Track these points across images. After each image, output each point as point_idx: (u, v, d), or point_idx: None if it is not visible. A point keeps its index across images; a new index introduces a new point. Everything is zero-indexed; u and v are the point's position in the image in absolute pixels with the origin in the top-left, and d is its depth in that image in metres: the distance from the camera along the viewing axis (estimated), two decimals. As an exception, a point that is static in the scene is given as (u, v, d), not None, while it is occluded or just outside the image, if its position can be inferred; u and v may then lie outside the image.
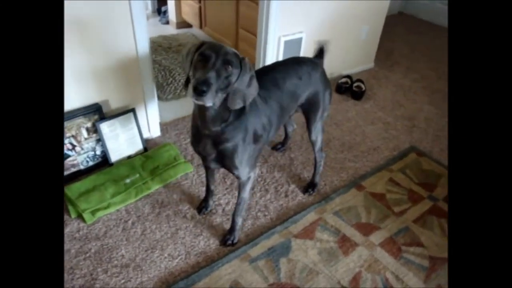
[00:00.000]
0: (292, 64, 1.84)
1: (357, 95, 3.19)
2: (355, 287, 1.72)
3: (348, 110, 3.06)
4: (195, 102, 1.28)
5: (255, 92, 1.44)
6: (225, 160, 1.59)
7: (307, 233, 1.95)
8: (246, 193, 1.78)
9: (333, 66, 3.39)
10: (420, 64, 3.90)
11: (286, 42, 2.86)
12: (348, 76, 3.36)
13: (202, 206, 2.06)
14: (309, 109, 1.93)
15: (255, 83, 1.42)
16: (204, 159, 1.68)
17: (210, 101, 1.25)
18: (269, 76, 1.73)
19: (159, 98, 2.94)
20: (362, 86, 3.26)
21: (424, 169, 2.46)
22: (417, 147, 2.67)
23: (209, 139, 1.53)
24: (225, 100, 1.38)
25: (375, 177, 2.36)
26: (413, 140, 2.74)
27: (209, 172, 1.98)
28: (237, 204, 1.83)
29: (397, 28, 4.73)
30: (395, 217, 2.09)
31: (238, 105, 1.39)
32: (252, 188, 1.91)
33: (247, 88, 1.38)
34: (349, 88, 3.27)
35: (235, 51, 1.34)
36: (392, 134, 2.80)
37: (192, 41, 4.07)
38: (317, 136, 2.05)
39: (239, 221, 1.88)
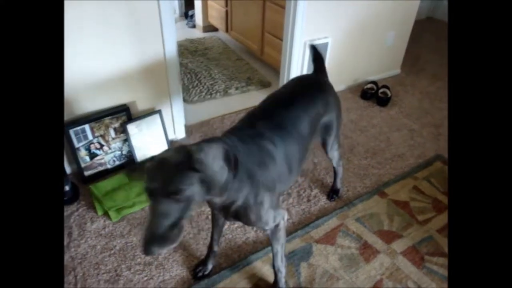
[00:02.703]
0: (309, 96, 1.66)
1: (383, 101, 3.16)
2: (376, 295, 1.71)
3: (373, 116, 3.03)
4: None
5: (224, 173, 1.12)
6: (242, 219, 1.36)
7: (328, 239, 1.95)
8: (280, 241, 1.52)
9: (358, 71, 3.37)
10: (447, 71, 3.82)
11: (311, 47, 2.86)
12: (374, 82, 3.33)
13: (199, 269, 1.76)
14: (324, 133, 1.82)
15: (222, 170, 1.11)
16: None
17: (171, 247, 1.04)
18: (285, 115, 1.52)
19: (185, 100, 3.00)
20: (388, 92, 3.23)
21: (450, 178, 2.41)
22: (442, 155, 2.62)
23: (222, 207, 1.32)
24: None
25: (399, 184, 2.33)
26: (439, 148, 2.69)
27: (216, 228, 1.70)
28: (274, 255, 1.56)
29: (425, 34, 4.65)
30: (419, 225, 2.06)
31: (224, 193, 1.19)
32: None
33: (219, 176, 1.09)
34: (375, 94, 3.24)
35: (176, 159, 1.03)
36: (418, 141, 2.76)
37: (218, 45, 4.13)
38: (334, 153, 1.97)
39: (283, 269, 1.61)
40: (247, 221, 1.37)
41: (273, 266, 1.61)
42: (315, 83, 1.79)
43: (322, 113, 1.71)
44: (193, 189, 1.02)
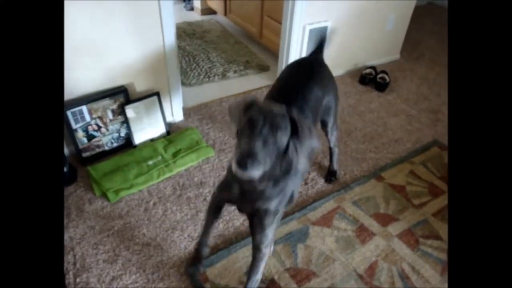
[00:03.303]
0: (313, 81, 1.72)
1: (381, 86, 3.15)
2: (371, 275, 1.73)
3: (371, 101, 3.03)
4: (240, 177, 1.17)
5: (317, 142, 1.28)
6: (255, 219, 1.42)
7: (325, 221, 1.97)
8: (260, 273, 1.52)
9: (357, 56, 3.36)
10: (447, 57, 3.82)
11: (311, 31, 2.84)
12: (373, 67, 3.32)
13: (190, 271, 1.70)
14: (325, 115, 1.89)
15: (314, 134, 1.27)
16: (225, 202, 1.56)
17: (257, 174, 1.12)
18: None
19: (183, 83, 2.98)
20: (387, 77, 3.22)
21: (446, 163, 2.42)
22: (440, 141, 2.63)
23: (247, 193, 1.37)
24: (276, 159, 1.23)
25: (395, 169, 2.34)
26: (436, 134, 2.70)
27: (210, 227, 1.65)
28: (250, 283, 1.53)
29: (425, 19, 4.62)
30: (414, 209, 2.08)
31: (305, 163, 1.28)
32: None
33: (309, 142, 1.24)
34: (373, 80, 3.23)
35: (284, 112, 1.20)
36: (415, 126, 2.77)
37: (216, 28, 4.09)
38: (333, 133, 2.04)
39: None
40: (259, 223, 1.42)
41: None
42: (314, 67, 1.82)
43: (322, 96, 1.75)
44: (286, 133, 1.18)
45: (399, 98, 3.10)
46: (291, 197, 1.48)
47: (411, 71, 3.52)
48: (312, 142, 1.24)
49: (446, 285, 1.72)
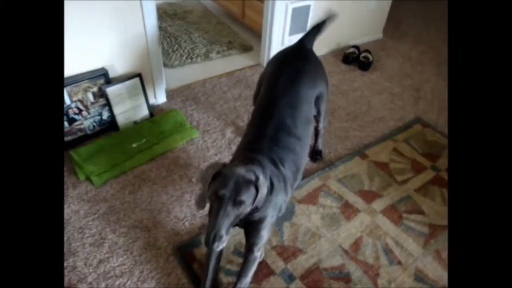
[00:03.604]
0: (302, 81, 1.73)
1: (364, 65, 3.16)
2: (356, 250, 1.77)
3: (354, 80, 3.04)
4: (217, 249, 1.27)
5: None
6: (250, 230, 1.49)
7: (311, 199, 1.99)
8: (249, 276, 1.53)
9: (340, 36, 3.34)
10: (430, 35, 3.84)
11: (294, 10, 2.81)
12: (356, 47, 3.32)
13: None
14: (318, 105, 1.89)
15: (274, 190, 1.42)
16: None
17: (223, 246, 1.26)
18: (289, 120, 1.62)
19: (165, 65, 2.93)
20: (370, 56, 3.22)
21: (428, 140, 2.46)
22: (422, 118, 2.67)
23: None
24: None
25: (379, 146, 2.37)
26: (419, 111, 2.74)
27: (213, 266, 1.58)
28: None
29: (407, -2, 4.62)
30: (398, 185, 2.12)
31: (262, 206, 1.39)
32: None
33: (266, 196, 1.37)
34: (356, 59, 3.23)
35: (249, 177, 1.27)
36: (398, 104, 2.79)
37: (197, 8, 4.01)
38: (324, 118, 2.07)
39: None
40: (253, 233, 1.48)
41: None
42: (301, 62, 1.82)
43: (313, 92, 1.78)
44: (250, 201, 1.28)
45: (382, 76, 3.11)
46: (281, 204, 1.54)
47: (394, 49, 3.53)
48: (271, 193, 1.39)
49: (428, 257, 1.77)
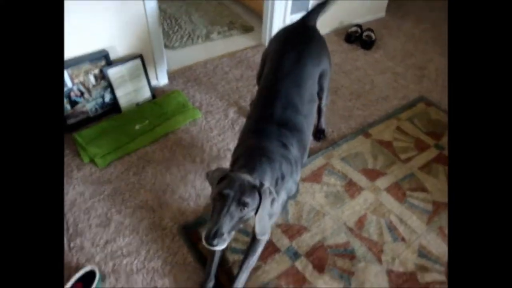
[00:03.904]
0: (306, 58, 1.71)
1: (367, 44, 3.12)
2: (360, 228, 1.78)
3: (357, 59, 3.01)
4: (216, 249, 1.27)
5: (279, 210, 1.42)
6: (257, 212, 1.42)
7: (315, 177, 1.99)
8: (257, 254, 1.54)
9: (343, 14, 3.30)
10: (433, 14, 3.78)
11: (295, -12, 2.77)
12: (358, 25, 3.28)
13: None
14: (321, 81, 1.87)
15: (276, 205, 1.36)
16: None
17: (222, 247, 1.23)
18: (295, 99, 1.60)
19: (166, 46, 2.90)
20: (372, 35, 3.19)
21: (432, 119, 2.45)
22: (426, 97, 2.65)
23: None
24: None
25: (382, 125, 2.36)
26: (423, 90, 2.72)
27: (216, 259, 1.56)
28: (241, 272, 1.52)
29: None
30: (401, 164, 2.12)
31: (264, 229, 1.33)
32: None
33: (270, 210, 1.33)
34: (359, 37, 3.20)
35: (254, 182, 1.27)
36: (402, 83, 2.77)
37: None
38: (327, 96, 2.06)
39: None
40: (258, 220, 1.41)
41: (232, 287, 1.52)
42: (305, 36, 1.81)
43: (317, 69, 1.76)
44: (254, 207, 1.27)
45: (385, 55, 3.08)
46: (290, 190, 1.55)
47: (397, 28, 3.48)
48: (272, 210, 1.35)
49: (432, 234, 1.78)
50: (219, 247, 1.22)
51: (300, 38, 1.81)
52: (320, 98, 2.00)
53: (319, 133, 2.24)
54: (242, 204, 1.23)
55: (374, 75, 2.83)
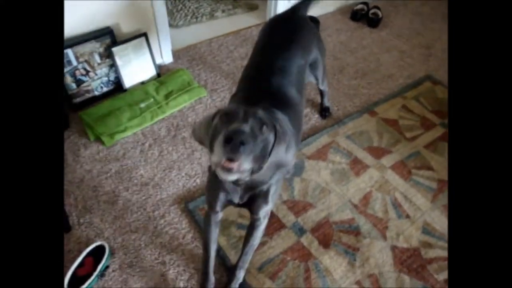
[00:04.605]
0: (293, 48, 1.58)
1: (373, 22, 3.08)
2: (365, 205, 1.80)
3: (363, 37, 2.97)
4: (223, 176, 0.93)
5: (292, 158, 1.14)
6: (257, 201, 1.29)
7: (320, 155, 2.00)
8: (258, 238, 1.44)
9: (349, -9, 3.25)
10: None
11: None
12: (365, 3, 3.22)
13: None
14: (314, 71, 1.81)
15: (292, 150, 1.14)
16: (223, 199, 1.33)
17: (246, 167, 0.92)
18: (281, 84, 1.45)
19: (170, 25, 2.85)
20: (379, 13, 3.14)
21: (438, 98, 2.44)
22: (432, 75, 2.62)
23: (239, 186, 1.24)
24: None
25: (388, 103, 2.35)
26: (429, 69, 2.69)
27: (213, 232, 1.44)
28: (244, 254, 1.44)
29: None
30: (407, 142, 2.12)
31: (272, 174, 1.17)
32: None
33: (284, 157, 1.09)
34: (365, 15, 3.15)
35: (269, 117, 1.04)
36: (408, 62, 2.74)
37: None
38: (324, 83, 2.02)
39: (241, 275, 1.48)
40: (258, 206, 1.30)
41: (234, 268, 1.46)
42: (293, 28, 1.70)
43: (306, 59, 1.67)
44: (271, 135, 1.01)
45: (391, 33, 3.04)
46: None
47: (404, 6, 3.42)
48: (286, 158, 1.10)
49: (436, 211, 1.80)
50: (245, 161, 0.90)
51: (288, 27, 1.72)
52: (317, 85, 2.00)
53: (324, 111, 2.24)
54: (261, 122, 0.97)
55: (380, 54, 2.80)
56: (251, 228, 1.43)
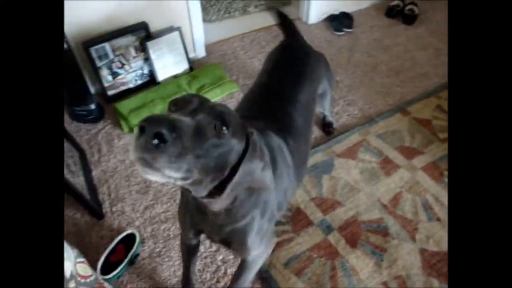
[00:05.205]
0: (300, 79, 1.45)
1: (409, 19, 3.01)
2: (395, 205, 1.77)
3: (398, 34, 2.91)
4: (140, 171, 0.64)
5: (270, 184, 0.90)
6: (233, 243, 1.08)
7: (350, 153, 1.99)
8: (249, 280, 1.27)
9: (384, -13, 3.18)
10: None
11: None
12: (400, -1, 3.15)
13: None
14: (322, 101, 1.73)
15: (268, 174, 0.88)
16: (195, 232, 1.19)
17: (175, 172, 0.64)
18: (286, 111, 1.33)
19: (203, 20, 2.90)
20: (415, 9, 3.06)
21: (475, 97, 2.36)
22: (469, 74, 2.54)
23: (211, 216, 0.99)
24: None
25: (421, 103, 2.30)
26: (466, 68, 2.61)
27: (188, 253, 1.35)
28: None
29: None
30: (440, 143, 2.07)
31: (247, 203, 0.96)
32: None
33: (259, 175, 0.84)
34: (401, 12, 3.08)
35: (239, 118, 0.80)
36: (444, 61, 2.67)
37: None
38: (329, 113, 2.01)
39: None
40: (238, 246, 1.09)
41: None
42: (303, 53, 1.60)
43: (317, 84, 1.58)
44: (236, 143, 0.76)
45: (427, 31, 2.96)
46: (279, 204, 1.14)
47: (441, 2, 3.32)
48: (262, 177, 0.86)
49: (469, 214, 1.75)
50: (163, 164, 0.61)
51: (299, 54, 1.59)
52: (324, 116, 2.03)
53: (327, 127, 2.11)
54: (221, 119, 0.71)
55: (414, 51, 2.74)
56: (240, 268, 1.26)
